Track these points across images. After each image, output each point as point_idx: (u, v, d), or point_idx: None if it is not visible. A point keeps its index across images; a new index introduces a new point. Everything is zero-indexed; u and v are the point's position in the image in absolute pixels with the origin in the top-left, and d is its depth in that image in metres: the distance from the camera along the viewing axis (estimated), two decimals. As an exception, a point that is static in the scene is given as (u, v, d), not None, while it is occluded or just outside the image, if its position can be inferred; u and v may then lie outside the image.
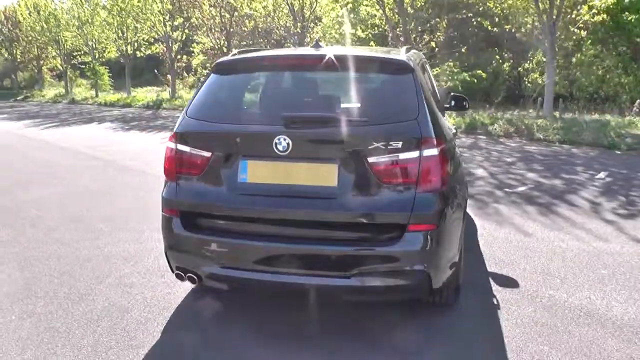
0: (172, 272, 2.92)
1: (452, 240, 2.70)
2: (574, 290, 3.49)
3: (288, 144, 2.51)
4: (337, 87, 2.99)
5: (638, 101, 13.00)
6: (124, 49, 25.94)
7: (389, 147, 2.47)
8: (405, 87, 2.67)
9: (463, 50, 20.19)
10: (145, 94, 26.31)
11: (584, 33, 17.43)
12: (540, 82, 18.16)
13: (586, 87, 18.50)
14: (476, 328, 3.03)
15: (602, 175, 7.23)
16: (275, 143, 2.52)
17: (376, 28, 20.05)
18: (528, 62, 20.10)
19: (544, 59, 16.74)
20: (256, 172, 2.63)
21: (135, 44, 25.82)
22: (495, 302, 3.32)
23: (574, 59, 18.95)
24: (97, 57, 28.92)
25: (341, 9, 20.22)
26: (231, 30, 20.38)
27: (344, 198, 2.51)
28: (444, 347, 2.80)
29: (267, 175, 2.64)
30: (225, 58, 3.07)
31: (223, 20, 20.16)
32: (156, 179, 6.15)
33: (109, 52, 28.67)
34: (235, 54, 3.14)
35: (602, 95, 18.07)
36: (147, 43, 25.51)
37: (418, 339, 2.87)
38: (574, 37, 17.57)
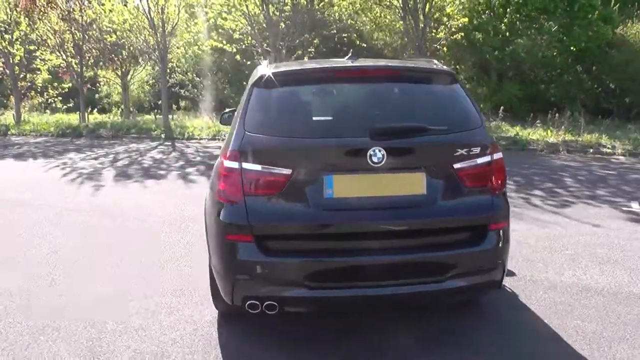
0: (232, 303, 2.80)
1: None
2: (559, 271, 4.16)
3: (383, 155, 2.62)
4: (400, 98, 3.10)
5: (502, 107, 15.35)
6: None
7: (470, 153, 2.76)
8: (460, 96, 2.99)
9: None
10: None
11: (445, 49, 20.08)
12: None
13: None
14: (513, 313, 3.46)
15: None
16: (370, 155, 2.61)
17: (242, 43, 20.44)
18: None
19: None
20: (344, 187, 2.66)
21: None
22: (509, 290, 3.80)
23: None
24: None
25: (203, 24, 20.33)
26: (83, 46, 18.87)
27: (433, 205, 2.71)
28: (509, 338, 3.17)
29: (356, 189, 2.69)
30: (272, 71, 3.00)
31: (74, 36, 18.58)
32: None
33: None
34: (275, 68, 3.10)
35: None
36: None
37: (474, 330, 3.20)
38: (437, 53, 20.09)
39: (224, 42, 19.31)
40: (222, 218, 2.73)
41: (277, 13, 19.63)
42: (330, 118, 2.93)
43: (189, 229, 5.50)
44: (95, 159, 11.19)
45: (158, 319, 3.36)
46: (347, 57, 3.20)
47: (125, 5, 18.71)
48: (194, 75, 26.75)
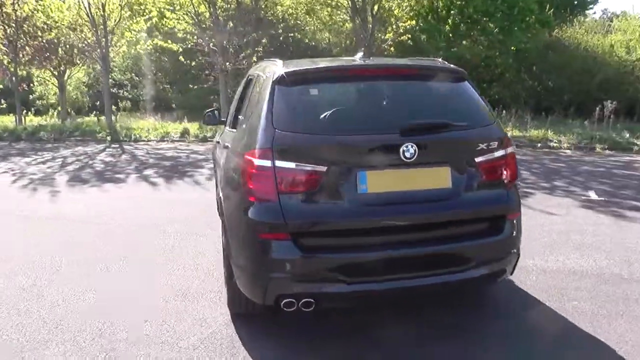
0: (263, 302, 2.79)
1: None
2: (543, 258, 4.43)
3: (415, 150, 2.71)
4: (420, 95, 3.17)
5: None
6: None
7: (489, 147, 2.92)
8: (472, 93, 3.16)
9: None
10: None
11: (392, 50, 20.60)
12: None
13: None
14: (514, 296, 3.67)
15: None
16: (403, 151, 2.70)
17: (187, 42, 20.03)
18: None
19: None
20: (377, 182, 2.73)
21: None
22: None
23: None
24: None
25: (146, 22, 19.72)
26: (17, 42, 17.76)
27: (458, 197, 2.85)
28: (517, 319, 3.34)
29: (389, 184, 2.77)
30: (292, 69, 3.01)
31: (7, 31, 17.45)
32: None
33: None
34: (292, 66, 3.10)
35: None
36: None
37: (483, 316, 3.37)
38: (385, 53, 20.59)
39: (170, 41, 18.84)
40: (254, 217, 2.72)
41: (223, 12, 19.41)
42: (358, 115, 2.96)
43: (168, 232, 5.36)
44: (43, 163, 10.59)
45: (170, 325, 3.27)
46: (358, 56, 3.27)
47: (64, 1, 17.80)
48: (133, 75, 25.87)
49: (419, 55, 21.65)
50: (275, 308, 2.77)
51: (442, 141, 2.87)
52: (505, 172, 3.01)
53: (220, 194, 3.62)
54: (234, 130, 3.73)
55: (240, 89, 4.45)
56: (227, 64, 19.30)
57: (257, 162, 2.71)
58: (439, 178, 2.84)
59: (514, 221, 3.04)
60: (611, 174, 8.55)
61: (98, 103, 20.36)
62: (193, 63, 20.85)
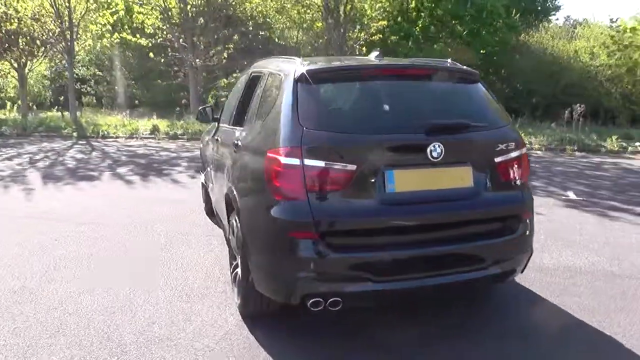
0: (288, 301, 2.75)
1: None
2: (538, 256, 4.51)
3: (442, 150, 2.73)
4: (440, 95, 3.18)
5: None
6: None
7: (508, 147, 2.99)
8: (487, 94, 3.22)
9: (250, 60, 21.75)
10: None
11: (364, 50, 20.74)
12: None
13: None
14: (518, 293, 3.73)
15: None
16: (430, 150, 2.72)
17: (156, 37, 19.61)
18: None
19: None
20: (404, 181, 2.73)
21: None
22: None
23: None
24: None
25: (112, 16, 19.17)
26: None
27: (479, 196, 2.89)
28: (524, 314, 3.41)
29: (415, 183, 2.78)
30: (313, 67, 2.96)
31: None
32: None
33: None
34: (311, 64, 3.03)
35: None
36: None
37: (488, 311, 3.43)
38: (356, 54, 20.71)
39: (138, 36, 18.37)
40: (281, 216, 2.67)
41: (193, 8, 19.07)
42: (384, 114, 2.95)
43: (156, 232, 5.22)
44: (9, 159, 10.13)
45: (179, 326, 3.17)
46: (373, 55, 3.25)
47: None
48: (97, 70, 25.09)
49: (389, 57, 21.99)
50: (298, 307, 2.73)
51: (465, 141, 2.92)
52: (520, 173, 3.07)
53: (226, 191, 3.52)
54: (241, 127, 3.66)
55: (241, 85, 4.36)
56: (197, 60, 18.99)
57: (285, 160, 2.66)
58: (462, 177, 2.87)
59: (527, 220, 3.11)
60: (585, 174, 8.87)
61: (62, 98, 19.60)
62: (162, 59, 20.44)
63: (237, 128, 3.77)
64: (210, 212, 5.79)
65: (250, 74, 4.10)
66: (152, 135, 15.12)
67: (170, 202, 6.63)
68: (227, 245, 4.74)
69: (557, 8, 24.92)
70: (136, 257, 4.48)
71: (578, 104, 12.73)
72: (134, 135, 15.08)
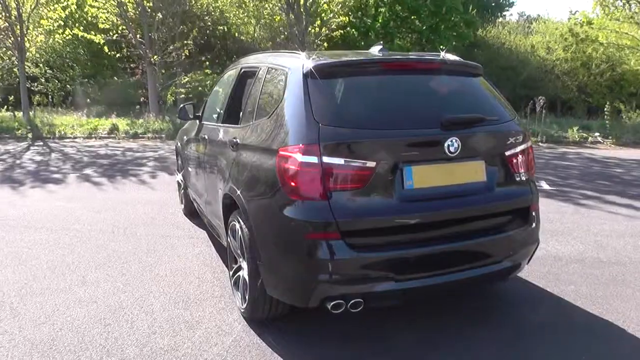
0: (307, 305, 2.66)
1: None
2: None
3: (458, 145, 2.70)
4: (450, 90, 3.10)
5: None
6: None
7: (516, 141, 2.99)
8: (490, 89, 3.21)
9: (209, 57, 21.45)
10: None
11: (325, 45, 20.70)
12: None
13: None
14: (518, 284, 3.77)
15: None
16: (448, 145, 2.68)
17: (110, 32, 18.90)
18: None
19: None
20: (422, 177, 2.68)
21: None
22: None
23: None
24: None
25: (64, 10, 18.34)
26: None
27: (492, 190, 2.87)
28: (527, 306, 3.44)
29: (433, 178, 2.72)
30: (322, 62, 2.85)
31: None
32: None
33: None
34: (319, 59, 2.92)
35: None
36: None
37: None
38: (317, 49, 20.65)
39: (94, 32, 17.62)
40: (299, 217, 2.55)
41: (149, 2, 18.46)
42: (399, 109, 2.86)
43: (136, 235, 4.99)
44: (-40, 163, 9.49)
45: (183, 335, 3.01)
46: (377, 49, 3.17)
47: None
48: (47, 68, 23.90)
49: (349, 49, 22.01)
50: (305, 310, 2.67)
51: (479, 135, 2.89)
52: (528, 165, 3.09)
53: (226, 191, 3.34)
54: (237, 125, 3.51)
55: (229, 82, 4.18)
56: (156, 56, 18.42)
57: (302, 158, 2.54)
58: (476, 172, 2.85)
59: (534, 213, 3.13)
60: (553, 164, 9.15)
61: (12, 98, 18.56)
62: (118, 55, 19.71)
63: (232, 126, 3.62)
64: (190, 213, 5.59)
65: (241, 70, 3.95)
66: (112, 135, 14.59)
67: (145, 203, 6.37)
68: (214, 246, 4.60)
69: (511, 4, 25.65)
70: (121, 263, 4.25)
71: (540, 97, 13.12)
72: (93, 135, 14.51)
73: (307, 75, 2.77)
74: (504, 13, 23.66)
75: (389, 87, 2.97)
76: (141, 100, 20.60)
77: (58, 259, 4.34)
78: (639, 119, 14.06)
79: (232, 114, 3.81)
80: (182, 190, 5.79)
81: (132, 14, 18.44)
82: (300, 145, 2.56)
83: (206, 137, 4.22)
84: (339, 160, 2.53)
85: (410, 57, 3.34)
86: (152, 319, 3.23)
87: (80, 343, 2.93)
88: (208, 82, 19.53)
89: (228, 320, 3.19)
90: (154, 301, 3.50)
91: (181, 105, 4.89)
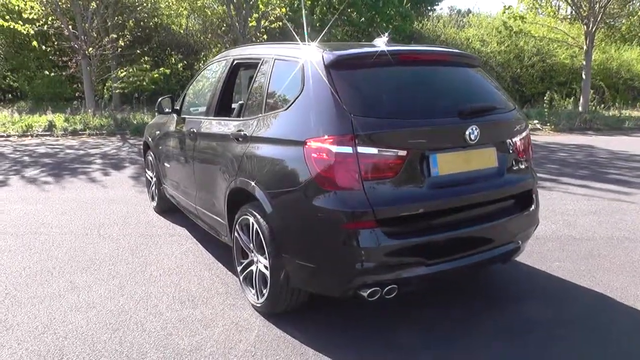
0: (342, 294, 2.69)
1: None
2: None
3: (478, 132, 2.80)
4: (460, 80, 3.19)
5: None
6: None
7: (520, 128, 3.17)
8: (491, 79, 3.35)
9: (146, 49, 20.60)
10: None
11: (265, 37, 20.49)
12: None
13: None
14: (507, 265, 3.92)
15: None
16: (469, 133, 2.78)
17: (36, 23, 17.63)
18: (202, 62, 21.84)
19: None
20: (446, 164, 2.76)
21: None
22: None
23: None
24: None
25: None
26: None
27: (503, 175, 3.02)
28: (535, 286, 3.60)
29: (455, 165, 2.81)
30: (341, 53, 2.86)
31: None
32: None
33: None
34: (335, 50, 2.91)
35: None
36: None
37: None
38: (258, 41, 20.38)
39: (21, 23, 16.31)
40: (335, 207, 2.54)
41: (82, -8, 17.38)
42: (423, 99, 2.92)
43: (113, 236, 4.72)
44: None
45: (202, 335, 2.89)
46: (382, 41, 3.17)
47: None
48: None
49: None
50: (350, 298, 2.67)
51: (493, 123, 3.02)
52: (529, 151, 3.28)
53: (237, 185, 3.20)
54: (239, 118, 3.40)
55: (218, 74, 4.02)
56: (91, 49, 17.38)
57: (337, 149, 2.52)
58: (489, 158, 2.97)
59: (534, 195, 3.30)
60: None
61: None
62: (47, 48, 18.41)
63: (233, 119, 3.49)
64: (164, 211, 5.37)
65: (233, 62, 3.82)
66: (49, 132, 13.64)
67: (108, 202, 6.02)
68: (200, 243, 4.42)
69: (440, -2, 26.47)
70: (107, 265, 4.00)
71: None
72: (28, 133, 13.49)
73: (329, 67, 2.75)
74: (434, 7, 24.39)
75: (407, 78, 3.03)
76: (76, 95, 19.38)
77: (36, 265, 4.01)
78: (570, 107, 15.10)
79: (226, 106, 3.68)
80: (153, 188, 5.53)
81: (62, 3, 17.26)
82: (334, 136, 2.54)
83: (194, 130, 4.04)
84: (373, 150, 2.56)
85: (429, 48, 3.43)
86: (163, 320, 3.07)
87: (93, 350, 2.74)
88: (145, 79, 18.76)
89: (243, 316, 3.10)
90: (157, 302, 3.33)
91: (160, 99, 4.66)
